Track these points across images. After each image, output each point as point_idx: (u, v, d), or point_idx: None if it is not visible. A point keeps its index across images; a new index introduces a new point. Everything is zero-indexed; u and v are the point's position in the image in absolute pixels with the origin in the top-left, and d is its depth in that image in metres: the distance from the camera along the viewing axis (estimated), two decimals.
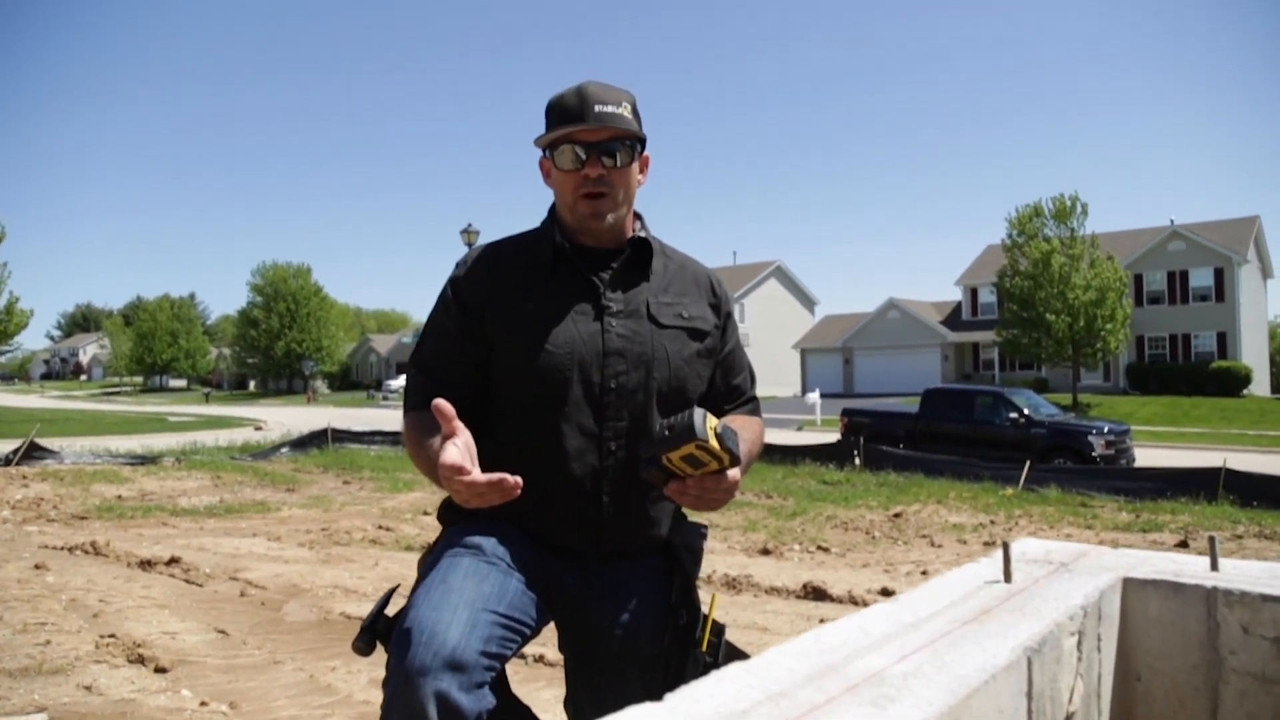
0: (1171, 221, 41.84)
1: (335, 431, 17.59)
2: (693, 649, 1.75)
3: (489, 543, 1.66)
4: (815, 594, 5.96)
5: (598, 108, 1.71)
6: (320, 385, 68.13)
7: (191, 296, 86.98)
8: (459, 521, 1.75)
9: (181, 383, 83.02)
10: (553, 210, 1.88)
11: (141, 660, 4.29)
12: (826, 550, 7.77)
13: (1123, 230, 43.78)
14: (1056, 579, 1.29)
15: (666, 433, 1.57)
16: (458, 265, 1.86)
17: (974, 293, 46.21)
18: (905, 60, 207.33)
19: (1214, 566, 1.36)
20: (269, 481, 12.71)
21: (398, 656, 1.46)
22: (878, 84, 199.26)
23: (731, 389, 1.97)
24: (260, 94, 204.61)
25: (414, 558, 1.96)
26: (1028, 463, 12.62)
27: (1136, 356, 40.86)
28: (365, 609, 5.46)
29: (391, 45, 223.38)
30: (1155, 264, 41.06)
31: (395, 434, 17.99)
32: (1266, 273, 45.32)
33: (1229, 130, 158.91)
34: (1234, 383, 37.17)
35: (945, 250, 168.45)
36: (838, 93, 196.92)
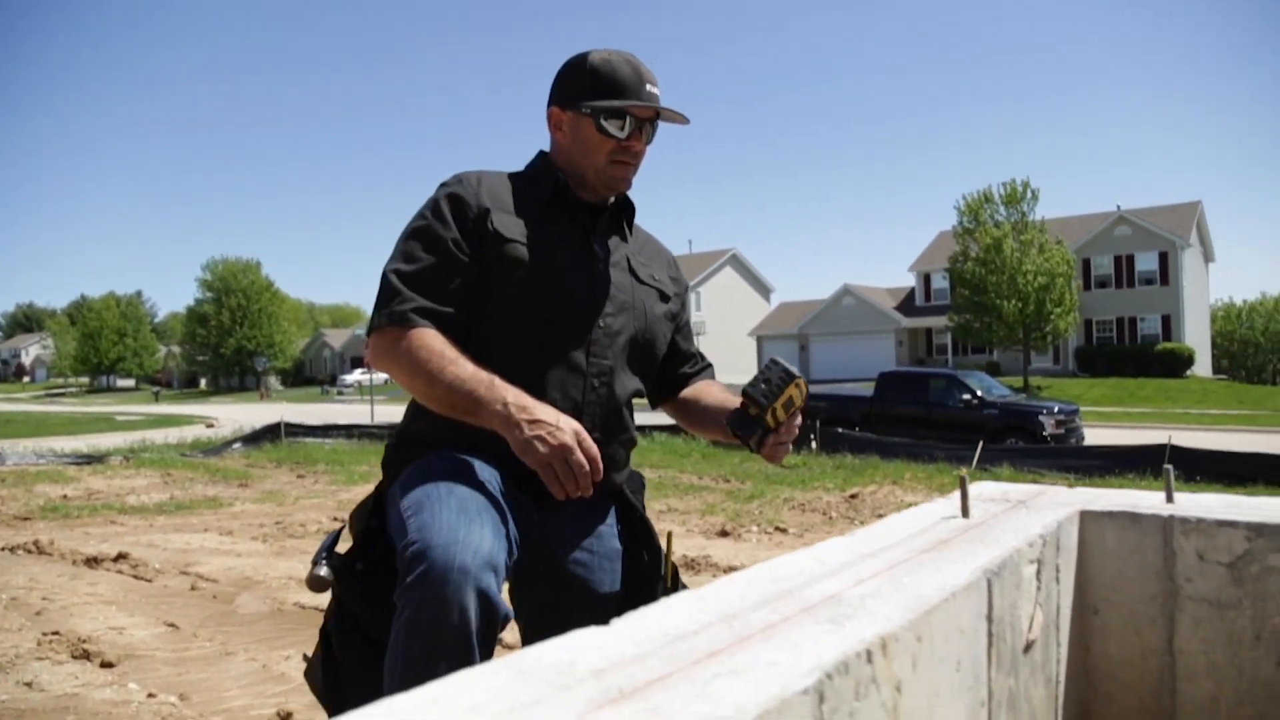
0: (1118, 207, 42.65)
1: (289, 426, 17.31)
2: (657, 585, 1.77)
3: (477, 465, 1.63)
4: None
5: (649, 86, 1.79)
6: (273, 382, 67.15)
7: (138, 294, 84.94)
8: (417, 458, 1.69)
9: (130, 382, 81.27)
10: (546, 155, 1.89)
11: (86, 656, 4.16)
12: (784, 531, 7.80)
13: (1071, 216, 44.58)
14: (1014, 514, 1.29)
15: (764, 385, 1.64)
16: (450, 182, 1.79)
17: (927, 279, 46.77)
18: (857, 49, 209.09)
19: (1169, 499, 1.37)
20: (221, 477, 12.47)
21: (432, 558, 1.36)
22: (831, 73, 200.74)
23: (691, 354, 2.08)
24: (205, 89, 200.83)
25: None
26: (980, 443, 12.78)
27: (1085, 339, 41.64)
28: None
29: (339, 39, 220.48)
30: (1103, 249, 41.84)
31: (350, 427, 17.75)
32: (1208, 257, 46.40)
33: (1173, 116, 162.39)
34: (1178, 364, 38.05)
35: (898, 237, 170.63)
36: (792, 81, 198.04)
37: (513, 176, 1.85)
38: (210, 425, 26.59)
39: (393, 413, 25.44)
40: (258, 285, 65.70)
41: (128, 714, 3.42)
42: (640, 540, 1.83)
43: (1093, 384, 35.31)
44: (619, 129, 1.76)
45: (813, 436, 14.33)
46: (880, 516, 8.50)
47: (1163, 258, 40.48)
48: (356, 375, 56.03)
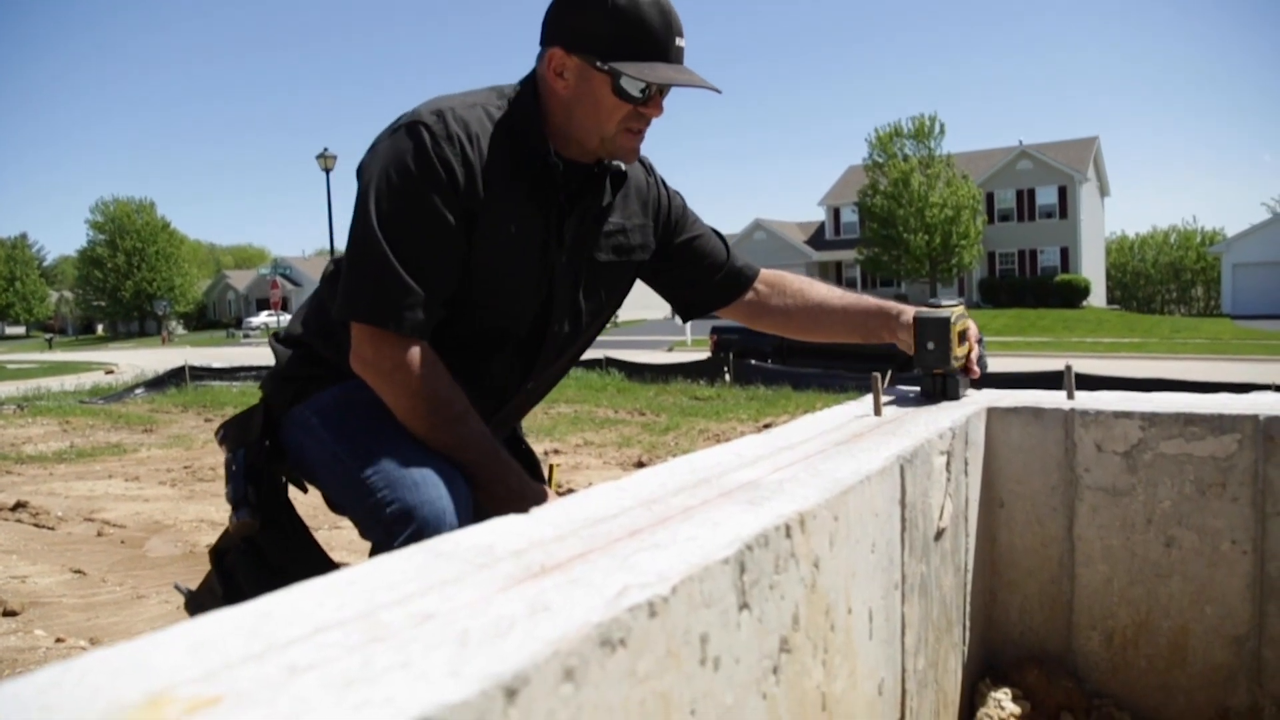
0: (1020, 142, 43.64)
1: (194, 369, 16.78)
2: None
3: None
4: None
5: (678, 40, 1.47)
6: (176, 326, 64.85)
7: (23, 237, 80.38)
8: (327, 382, 1.63)
9: (19, 329, 77.60)
10: (536, 104, 1.54)
11: None
12: None
13: (975, 150, 45.50)
14: (925, 411, 1.33)
15: (931, 346, 1.62)
16: (439, 134, 1.44)
17: (836, 213, 47.39)
18: None
19: (1070, 395, 1.43)
20: (124, 423, 12.05)
21: (420, 516, 1.34)
22: (739, 5, 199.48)
23: (721, 262, 1.88)
24: (94, 24, 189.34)
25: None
26: (890, 371, 13.12)
27: (988, 271, 42.86)
28: None
29: None
30: (1005, 183, 42.89)
31: (259, 369, 17.28)
32: (1104, 191, 48.00)
33: (1073, 53, 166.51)
34: (1075, 295, 39.53)
35: (808, 172, 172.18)
36: (701, 15, 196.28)
37: (501, 130, 1.50)
38: (110, 371, 25.58)
39: None
40: (153, 226, 62.97)
41: (35, 659, 3.32)
42: (527, 465, 1.85)
43: (996, 314, 36.51)
44: (639, 92, 1.46)
45: (726, 369, 14.52)
46: None
47: (1062, 192, 41.73)
48: (263, 317, 54.29)
